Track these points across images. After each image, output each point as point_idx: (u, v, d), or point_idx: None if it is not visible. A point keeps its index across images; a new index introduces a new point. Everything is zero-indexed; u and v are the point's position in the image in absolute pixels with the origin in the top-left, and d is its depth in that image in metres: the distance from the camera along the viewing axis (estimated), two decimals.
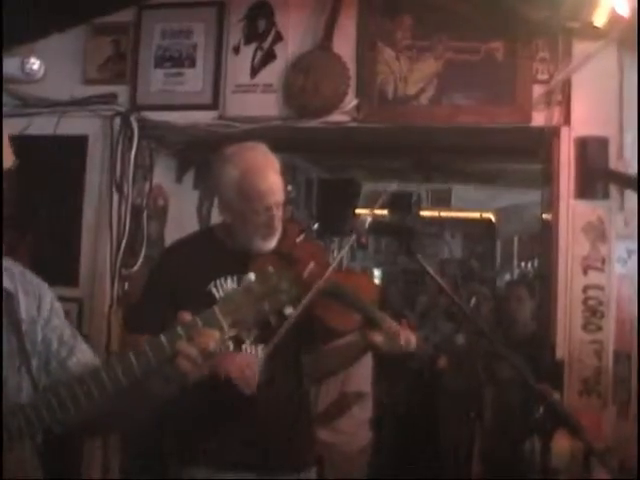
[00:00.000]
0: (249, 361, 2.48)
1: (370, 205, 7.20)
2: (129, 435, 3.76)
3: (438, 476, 5.56)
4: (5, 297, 1.73)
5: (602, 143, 3.59)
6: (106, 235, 4.02)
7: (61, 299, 4.01)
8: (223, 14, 4.00)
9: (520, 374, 2.39)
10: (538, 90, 3.68)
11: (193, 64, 4.02)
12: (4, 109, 3.99)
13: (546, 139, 3.74)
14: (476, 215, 8.44)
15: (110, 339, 3.91)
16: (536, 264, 6.79)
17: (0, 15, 3.42)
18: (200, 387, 1.79)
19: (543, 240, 4.09)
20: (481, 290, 6.05)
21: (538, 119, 3.68)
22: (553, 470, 3.08)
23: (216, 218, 3.35)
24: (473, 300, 5.62)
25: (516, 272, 8.09)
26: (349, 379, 3.99)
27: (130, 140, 4.03)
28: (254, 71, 3.94)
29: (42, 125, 4.05)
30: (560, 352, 3.57)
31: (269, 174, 2.63)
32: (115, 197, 4.04)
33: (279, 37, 3.91)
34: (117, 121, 4.04)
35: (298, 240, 2.85)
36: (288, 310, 2.43)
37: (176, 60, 4.03)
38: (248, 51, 3.95)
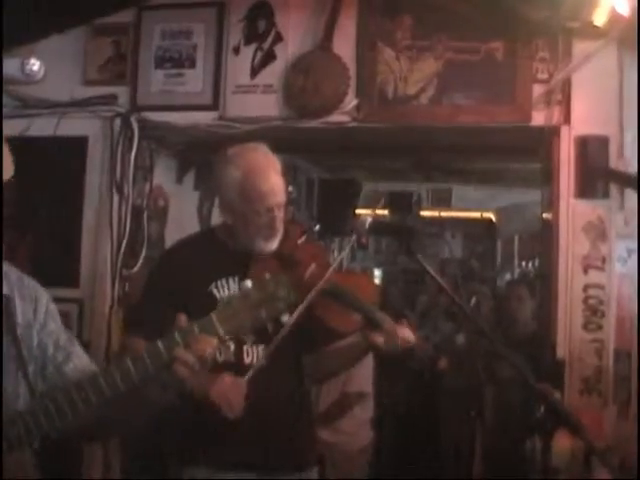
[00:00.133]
0: (233, 385, 2.45)
1: (371, 205, 7.23)
2: (129, 435, 3.76)
3: (439, 476, 5.56)
4: (2, 302, 1.72)
5: (602, 142, 3.59)
6: (106, 236, 4.02)
7: (62, 300, 4.01)
8: (223, 15, 4.00)
9: (520, 373, 2.38)
10: (538, 90, 3.68)
11: (193, 65, 4.02)
12: (4, 110, 3.99)
13: (546, 138, 3.74)
14: (476, 215, 8.43)
15: (110, 340, 3.91)
16: (537, 263, 6.78)
17: (0, 16, 3.42)
18: None
19: (543, 239, 4.09)
20: (481, 290, 6.05)
21: (538, 118, 3.68)
22: (554, 469, 3.08)
23: (217, 219, 3.36)
24: (473, 300, 5.62)
25: (517, 272, 8.08)
26: (350, 379, 3.99)
27: (130, 141, 4.03)
28: (254, 72, 3.94)
29: (42, 126, 4.06)
30: (561, 351, 3.57)
31: (271, 175, 2.63)
32: (115, 198, 4.04)
33: (279, 37, 3.91)
34: (117, 122, 4.04)
35: (299, 241, 2.85)
36: (285, 317, 2.46)
37: (176, 61, 4.04)
38: (248, 52, 3.95)
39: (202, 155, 4.46)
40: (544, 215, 4.05)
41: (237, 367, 2.55)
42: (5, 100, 4.07)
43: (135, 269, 4.08)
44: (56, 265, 4.00)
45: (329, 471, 3.82)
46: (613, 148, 3.59)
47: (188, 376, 1.62)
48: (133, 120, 4.03)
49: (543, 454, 3.16)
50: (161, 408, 1.76)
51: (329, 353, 2.76)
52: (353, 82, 3.82)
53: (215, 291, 2.62)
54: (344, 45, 3.84)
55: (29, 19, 3.78)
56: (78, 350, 1.84)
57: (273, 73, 3.91)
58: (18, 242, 3.92)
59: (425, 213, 7.91)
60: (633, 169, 3.53)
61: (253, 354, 2.62)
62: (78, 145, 4.09)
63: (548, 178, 3.82)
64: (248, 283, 1.64)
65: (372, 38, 3.82)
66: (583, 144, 3.61)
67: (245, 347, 2.61)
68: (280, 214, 2.64)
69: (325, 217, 6.55)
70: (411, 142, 4.35)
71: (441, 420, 5.72)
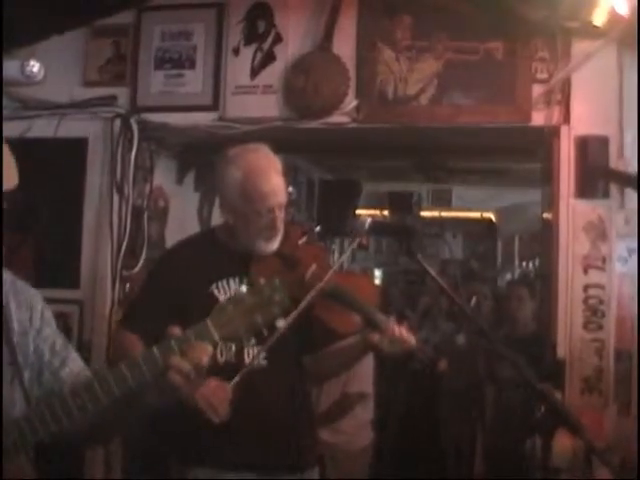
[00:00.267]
0: (217, 389, 2.44)
1: (371, 205, 7.24)
2: (130, 436, 3.76)
3: (440, 476, 5.57)
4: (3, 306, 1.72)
5: (602, 142, 3.59)
6: (107, 237, 4.02)
7: (62, 301, 4.05)
8: (223, 15, 4.00)
9: (521, 373, 2.38)
10: (538, 89, 3.68)
11: (193, 65, 4.02)
12: (4, 112, 3.99)
13: (546, 138, 3.75)
14: (477, 215, 8.44)
15: (111, 341, 3.91)
16: (537, 263, 6.79)
17: (0, 18, 3.42)
18: None
19: (544, 239, 4.09)
20: (482, 290, 6.05)
21: (538, 118, 3.69)
22: (554, 469, 3.09)
23: (217, 219, 3.36)
24: (474, 300, 5.62)
25: (517, 272, 8.08)
26: (351, 380, 3.99)
27: (130, 142, 4.03)
28: (254, 72, 3.94)
29: (42, 127, 4.06)
30: (561, 351, 3.57)
31: (272, 176, 2.63)
32: (116, 199, 4.04)
33: (279, 38, 3.91)
34: (117, 123, 4.04)
35: (300, 242, 2.85)
36: (280, 322, 2.46)
37: (176, 62, 4.04)
38: (248, 52, 3.95)
39: (202, 156, 4.46)
40: (544, 215, 4.05)
41: (238, 368, 2.55)
42: (5, 102, 4.07)
43: (135, 270, 4.08)
44: (57, 266, 4.01)
45: (330, 471, 3.82)
46: (613, 148, 3.59)
47: (183, 384, 1.61)
48: (133, 121, 4.03)
49: (544, 454, 3.17)
50: (157, 411, 1.75)
51: (329, 354, 2.76)
52: (353, 83, 3.83)
53: (216, 292, 2.62)
54: (344, 46, 3.84)
55: (29, 20, 3.78)
56: (73, 355, 1.83)
57: (273, 74, 3.91)
58: (20, 244, 3.93)
59: (425, 213, 7.92)
60: (633, 169, 3.53)
61: (254, 355, 2.62)
62: (78, 146, 4.09)
63: (548, 178, 3.82)
64: (243, 288, 1.64)
65: (372, 38, 3.83)
66: (583, 144, 3.61)
67: (246, 348, 2.61)
68: (281, 214, 2.65)
69: (325, 218, 6.55)
70: (411, 142, 4.35)
71: (442, 420, 5.73)
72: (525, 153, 4.33)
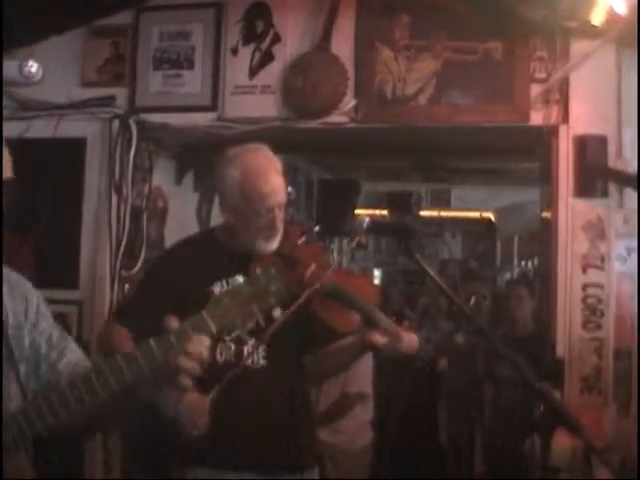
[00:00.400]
0: (197, 404, 2.43)
1: (370, 205, 7.24)
2: (130, 435, 3.77)
3: (439, 476, 5.57)
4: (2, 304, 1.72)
5: (601, 141, 3.60)
6: (106, 237, 4.02)
7: (61, 302, 4.05)
8: (221, 15, 4.00)
9: (520, 373, 2.38)
10: (536, 89, 3.69)
11: (191, 66, 4.02)
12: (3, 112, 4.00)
13: (544, 138, 3.75)
14: (476, 215, 8.44)
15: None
16: (536, 263, 6.79)
17: (0, 18, 3.42)
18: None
19: (543, 239, 4.09)
20: (481, 289, 6.05)
21: (536, 118, 3.69)
22: (554, 468, 3.09)
23: (216, 220, 3.36)
24: (473, 299, 5.63)
25: (516, 271, 8.08)
26: (350, 380, 3.99)
27: (129, 142, 4.03)
28: (252, 72, 3.94)
29: (41, 128, 4.06)
30: (560, 350, 3.58)
31: (271, 176, 2.63)
32: (114, 199, 4.04)
33: (277, 38, 3.92)
34: (116, 123, 4.05)
35: (299, 242, 2.85)
36: (277, 312, 2.44)
37: (174, 62, 4.04)
38: (246, 52, 3.95)
39: (201, 156, 4.46)
40: (543, 214, 4.05)
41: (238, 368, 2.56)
42: (4, 102, 4.07)
43: (134, 270, 4.08)
44: (56, 267, 4.01)
45: (329, 471, 3.82)
46: (611, 147, 3.59)
47: (191, 385, 1.61)
48: (132, 121, 4.03)
49: (543, 453, 3.17)
50: (157, 410, 1.75)
51: (328, 353, 2.76)
52: (351, 82, 3.83)
53: (215, 291, 2.62)
54: (342, 45, 3.84)
55: (27, 21, 3.78)
56: (71, 345, 1.82)
57: (271, 74, 3.91)
58: (19, 244, 3.92)
59: (424, 213, 7.92)
60: (632, 168, 3.53)
61: (253, 355, 2.62)
62: (77, 147, 4.09)
63: (547, 177, 3.82)
64: (239, 279, 1.63)
65: (370, 38, 3.83)
66: (581, 143, 3.61)
67: (246, 348, 2.61)
68: (280, 214, 2.65)
69: (324, 217, 6.54)
70: (410, 142, 4.35)
71: (441, 420, 5.73)
72: (524, 153, 4.34)
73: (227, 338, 1.77)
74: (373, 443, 4.27)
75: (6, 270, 1.79)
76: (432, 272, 2.57)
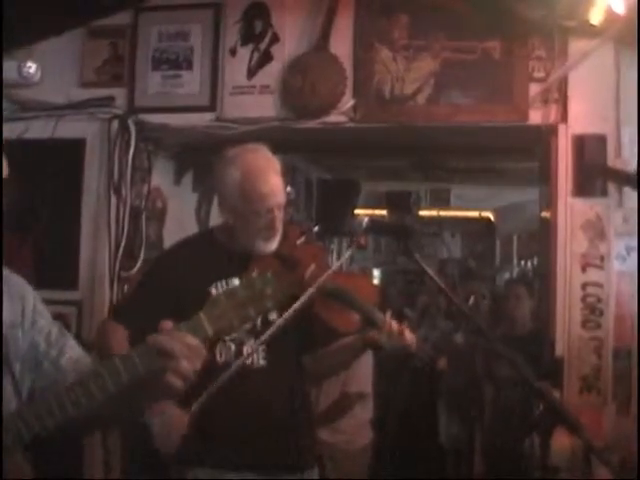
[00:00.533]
0: (176, 420, 2.43)
1: (369, 205, 7.24)
2: (130, 435, 3.76)
3: (439, 475, 5.58)
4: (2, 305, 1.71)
5: (599, 140, 3.60)
6: (105, 238, 4.02)
7: (61, 302, 4.04)
8: (219, 16, 4.00)
9: (519, 372, 2.38)
10: (535, 88, 3.69)
11: (190, 66, 4.02)
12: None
13: (543, 137, 3.75)
14: (475, 214, 8.44)
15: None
16: (535, 262, 6.79)
17: (0, 19, 3.42)
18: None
19: (542, 238, 4.09)
20: (480, 289, 6.06)
21: (535, 117, 3.69)
22: (553, 468, 3.09)
23: (215, 220, 3.36)
24: (472, 299, 5.63)
25: (515, 270, 8.08)
26: (350, 379, 3.99)
27: (128, 143, 4.03)
28: (251, 72, 3.94)
29: (40, 129, 4.05)
30: (559, 349, 3.58)
31: (270, 176, 2.63)
32: (113, 200, 4.04)
33: (276, 38, 3.92)
34: (115, 124, 4.04)
35: (299, 242, 2.85)
36: (273, 315, 2.46)
37: (173, 62, 4.04)
38: (245, 52, 3.95)
39: (200, 156, 4.46)
40: (542, 214, 4.05)
41: (236, 368, 2.56)
42: (3, 103, 4.07)
43: (134, 270, 4.08)
44: (55, 267, 4.01)
45: (329, 471, 3.82)
46: (610, 146, 3.59)
47: (182, 386, 1.60)
48: (130, 122, 4.03)
49: (542, 452, 3.17)
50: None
51: (328, 352, 2.76)
52: (350, 82, 3.83)
53: (214, 292, 2.62)
54: (341, 45, 3.84)
55: (26, 22, 3.77)
56: (70, 342, 1.82)
57: (270, 74, 3.91)
58: (19, 244, 3.92)
59: (424, 213, 7.92)
60: (631, 167, 3.53)
61: (253, 355, 2.62)
62: (76, 147, 4.09)
63: (546, 177, 3.82)
64: (238, 279, 1.63)
65: (369, 38, 3.83)
66: (580, 142, 3.61)
67: (245, 348, 2.61)
68: (280, 215, 2.65)
69: (324, 217, 6.54)
70: (409, 142, 4.36)
71: (441, 419, 5.74)
72: (523, 152, 4.34)
73: (227, 338, 1.77)
74: (373, 443, 4.27)
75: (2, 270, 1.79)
76: (431, 272, 2.57)
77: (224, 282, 2.62)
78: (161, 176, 4.48)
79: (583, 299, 3.56)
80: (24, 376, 1.71)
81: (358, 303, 2.65)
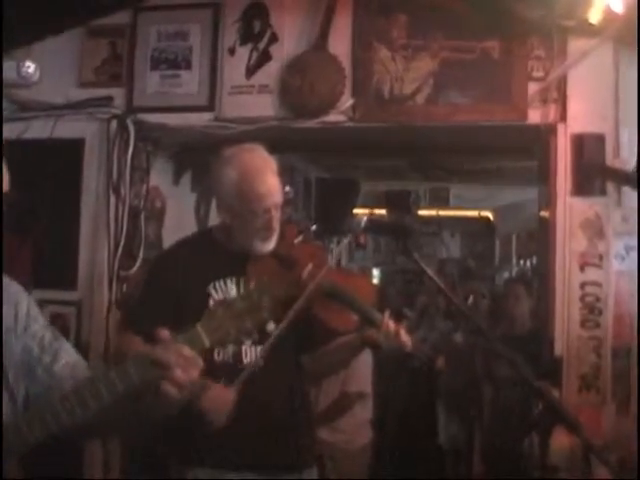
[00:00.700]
0: (222, 393, 2.46)
1: (368, 204, 7.24)
2: (129, 435, 3.76)
3: (438, 475, 5.58)
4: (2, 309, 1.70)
5: (598, 140, 3.60)
6: (104, 237, 4.02)
7: (60, 302, 4.04)
8: (218, 15, 4.00)
9: (518, 371, 2.39)
10: (534, 88, 3.69)
11: (189, 66, 4.02)
12: None
13: (542, 136, 3.74)
14: (474, 213, 8.44)
15: (109, 341, 3.90)
16: (534, 261, 6.79)
17: (0, 19, 3.41)
18: None
19: (541, 237, 4.09)
20: (479, 288, 6.06)
21: (534, 117, 3.69)
22: (552, 467, 3.09)
23: (214, 220, 3.36)
24: (471, 298, 5.63)
25: (514, 270, 8.09)
26: (350, 379, 4.00)
27: (127, 142, 4.03)
28: (250, 72, 3.94)
29: (38, 129, 4.05)
30: (558, 349, 3.57)
31: (267, 176, 2.63)
32: (112, 200, 4.03)
33: (274, 38, 3.91)
34: (113, 124, 4.04)
35: (296, 241, 2.85)
36: (270, 326, 2.46)
37: (172, 62, 4.03)
38: (244, 52, 3.95)
39: (199, 156, 4.46)
40: (541, 213, 4.05)
41: (235, 368, 2.56)
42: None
43: (133, 270, 4.08)
44: (54, 267, 4.01)
45: (329, 471, 3.82)
46: (609, 145, 3.59)
47: (177, 396, 1.60)
48: (129, 122, 4.03)
49: (541, 452, 3.17)
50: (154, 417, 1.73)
51: (326, 351, 2.77)
52: (349, 82, 3.83)
53: (213, 292, 2.62)
54: (340, 45, 3.84)
55: (24, 21, 3.77)
56: (65, 346, 1.80)
57: (269, 73, 3.91)
58: (18, 245, 3.92)
59: (423, 212, 7.92)
60: (630, 166, 3.53)
61: (252, 355, 2.62)
62: (74, 147, 4.09)
63: (545, 176, 3.82)
64: (233, 292, 1.63)
65: (368, 38, 3.83)
66: (579, 142, 3.61)
67: (244, 347, 2.61)
68: (277, 214, 2.65)
69: (323, 217, 6.55)
70: (408, 141, 4.35)
71: (440, 419, 5.74)
72: (522, 151, 4.33)
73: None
74: (372, 442, 4.28)
75: None
76: (430, 271, 2.57)
77: (222, 282, 2.63)
78: (160, 176, 4.48)
79: (582, 298, 3.56)
80: (18, 382, 1.70)
81: (356, 302, 2.66)
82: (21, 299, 1.78)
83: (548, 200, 3.79)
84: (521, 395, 4.08)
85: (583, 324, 3.54)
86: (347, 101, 3.83)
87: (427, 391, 5.79)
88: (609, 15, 3.38)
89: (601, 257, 3.56)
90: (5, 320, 1.72)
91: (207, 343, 1.60)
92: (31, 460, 1.59)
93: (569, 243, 3.60)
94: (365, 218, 2.66)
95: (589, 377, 3.51)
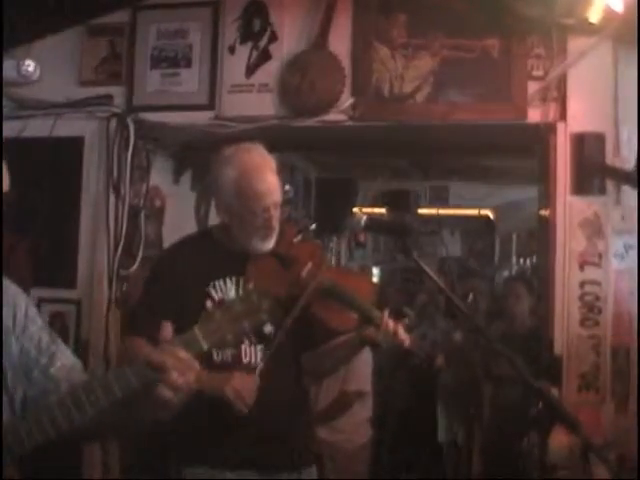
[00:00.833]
0: (246, 381, 2.49)
1: (368, 203, 7.24)
2: (129, 436, 3.76)
3: (438, 474, 5.58)
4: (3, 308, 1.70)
5: (598, 139, 3.59)
6: (103, 236, 4.02)
7: (59, 301, 4.05)
8: (218, 14, 4.00)
9: (518, 370, 2.38)
10: (533, 87, 3.69)
11: (189, 64, 4.02)
12: None
13: (542, 135, 3.74)
14: (474, 212, 8.44)
15: (108, 340, 3.91)
16: (534, 260, 6.79)
17: (0, 19, 3.41)
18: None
19: (541, 236, 4.09)
20: (479, 287, 6.05)
21: (534, 115, 3.69)
22: (551, 466, 3.09)
23: (214, 219, 3.36)
24: (471, 297, 5.63)
25: (514, 268, 8.09)
26: (349, 378, 4.00)
27: (127, 141, 4.03)
28: (250, 71, 3.93)
29: (38, 127, 4.05)
30: (558, 348, 3.57)
31: (266, 175, 2.64)
32: (112, 198, 4.03)
33: (274, 36, 3.91)
34: (113, 122, 4.04)
35: (295, 240, 2.85)
36: (268, 328, 2.50)
37: (172, 60, 4.03)
38: (244, 51, 3.95)
39: (199, 155, 4.46)
40: (541, 212, 4.05)
41: (235, 368, 2.56)
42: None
43: (132, 269, 4.08)
44: (54, 266, 4.01)
45: (328, 470, 3.82)
46: (609, 144, 3.59)
47: (173, 399, 1.60)
48: (129, 120, 4.03)
49: (540, 451, 3.17)
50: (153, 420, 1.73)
51: (326, 350, 2.77)
52: (349, 80, 3.82)
53: (212, 291, 2.62)
54: (339, 43, 3.84)
55: (24, 20, 3.77)
56: (62, 348, 1.80)
57: (269, 72, 3.91)
58: (17, 244, 3.92)
59: (423, 211, 7.92)
60: (629, 165, 3.53)
61: (251, 354, 2.62)
62: (74, 146, 4.09)
63: (545, 175, 3.82)
64: (232, 293, 1.62)
65: (367, 36, 3.82)
66: (579, 141, 3.61)
67: (243, 347, 2.61)
68: (276, 213, 2.65)
69: (322, 216, 6.55)
70: (408, 140, 4.35)
71: (439, 418, 5.74)
72: (521, 150, 4.33)
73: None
74: (372, 441, 4.28)
75: None
76: (430, 270, 2.56)
77: (221, 281, 2.63)
78: (160, 175, 4.48)
79: (581, 297, 3.56)
80: (16, 384, 1.70)
81: (356, 301, 2.66)
82: (19, 300, 1.78)
83: (548, 199, 3.79)
84: (520, 394, 4.08)
85: (582, 323, 3.54)
86: (347, 100, 3.83)
87: (427, 389, 5.79)
88: (609, 14, 3.38)
89: (600, 256, 3.56)
90: (4, 322, 1.72)
91: (205, 346, 1.60)
92: (30, 461, 1.59)
93: (569, 242, 3.60)
94: (365, 217, 2.65)
95: (588, 376, 3.51)
